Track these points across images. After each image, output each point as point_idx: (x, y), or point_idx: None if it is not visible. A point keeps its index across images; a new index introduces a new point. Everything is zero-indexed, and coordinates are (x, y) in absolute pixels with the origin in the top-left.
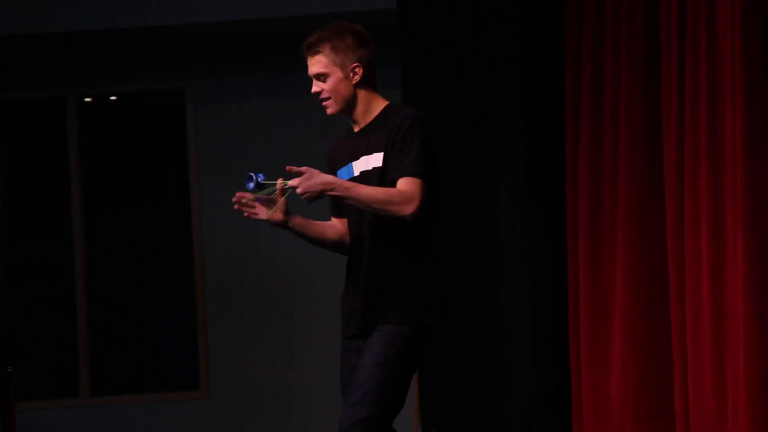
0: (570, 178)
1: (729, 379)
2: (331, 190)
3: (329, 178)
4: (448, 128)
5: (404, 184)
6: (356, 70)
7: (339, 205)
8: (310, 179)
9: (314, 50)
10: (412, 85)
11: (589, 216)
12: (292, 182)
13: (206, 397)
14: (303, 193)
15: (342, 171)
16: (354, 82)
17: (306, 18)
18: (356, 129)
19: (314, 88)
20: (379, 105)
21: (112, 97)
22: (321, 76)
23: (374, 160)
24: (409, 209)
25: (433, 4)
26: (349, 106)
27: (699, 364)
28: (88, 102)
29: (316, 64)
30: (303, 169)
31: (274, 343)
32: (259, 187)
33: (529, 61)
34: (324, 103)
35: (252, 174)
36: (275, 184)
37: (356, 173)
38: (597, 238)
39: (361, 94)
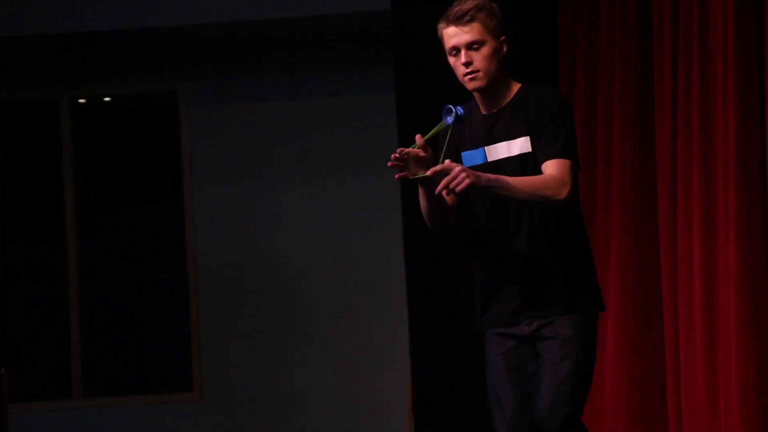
0: None
1: (721, 380)
2: (486, 180)
3: (475, 171)
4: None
5: (555, 167)
6: (504, 42)
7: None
8: (466, 170)
9: (470, 16)
10: (406, 88)
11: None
12: (449, 178)
13: (199, 398)
14: (461, 182)
15: (469, 154)
16: (503, 55)
17: (300, 20)
18: (488, 111)
19: (464, 58)
20: (514, 86)
21: (106, 99)
22: (475, 44)
23: (519, 146)
24: (563, 193)
25: (427, 6)
26: (493, 82)
27: (691, 365)
28: (82, 103)
29: (470, 32)
30: (453, 164)
31: (268, 345)
32: (458, 120)
33: (524, 62)
34: (471, 76)
35: (451, 107)
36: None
37: (489, 159)
38: (590, 238)
39: (503, 71)
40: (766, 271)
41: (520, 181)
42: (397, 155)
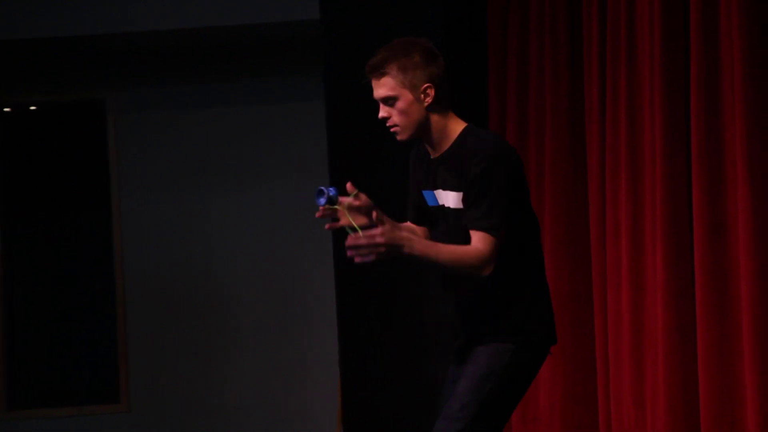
0: None
1: (648, 389)
2: (409, 250)
3: (404, 238)
4: (372, 140)
5: (479, 240)
6: (428, 91)
7: (423, 213)
8: (391, 232)
9: (380, 72)
10: (335, 96)
11: None
12: (374, 231)
13: (127, 410)
14: (378, 246)
15: (427, 194)
16: (426, 104)
17: (229, 29)
18: (433, 155)
19: (381, 113)
20: (456, 128)
21: (32, 108)
22: (389, 100)
23: (452, 200)
24: (486, 271)
25: (356, 16)
26: (421, 130)
27: (619, 374)
28: (7, 112)
29: (382, 87)
30: (379, 234)
31: (197, 356)
32: (330, 202)
33: (453, 76)
34: (392, 130)
35: (323, 188)
36: (341, 202)
37: (441, 204)
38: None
39: (434, 117)
40: (691, 281)
41: (444, 257)
42: (321, 212)
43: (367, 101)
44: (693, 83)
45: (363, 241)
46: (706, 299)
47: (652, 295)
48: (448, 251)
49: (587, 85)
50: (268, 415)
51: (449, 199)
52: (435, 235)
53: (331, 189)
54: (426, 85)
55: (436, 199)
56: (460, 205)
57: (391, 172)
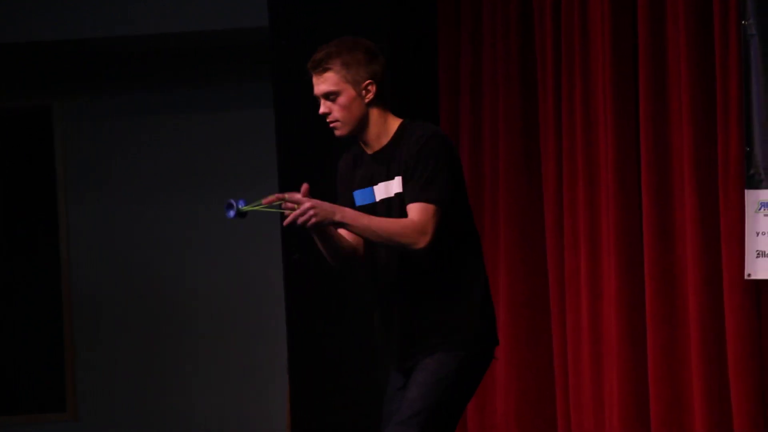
0: None
1: (606, 397)
2: (340, 216)
3: (335, 206)
4: (321, 147)
5: (417, 212)
6: (369, 87)
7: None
8: (317, 206)
9: (323, 67)
10: (284, 104)
11: None
12: (296, 213)
13: (73, 419)
14: (309, 219)
15: (360, 193)
16: (367, 100)
17: (177, 35)
18: (369, 152)
19: (322, 109)
20: (393, 124)
21: None
22: (331, 95)
23: (394, 186)
24: (421, 242)
25: (305, 23)
26: (360, 127)
27: (579, 381)
28: None
29: (324, 82)
30: (303, 199)
31: (146, 364)
32: (240, 214)
33: (403, 82)
34: (333, 125)
35: (232, 201)
36: (260, 202)
37: (377, 199)
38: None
39: (374, 113)
40: (642, 288)
41: (377, 223)
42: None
43: (316, 108)
44: (642, 93)
45: (297, 212)
46: (655, 306)
47: (608, 304)
48: (382, 220)
49: (541, 91)
50: (217, 422)
51: (391, 187)
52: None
53: (240, 201)
54: (368, 82)
55: (373, 196)
56: (400, 189)
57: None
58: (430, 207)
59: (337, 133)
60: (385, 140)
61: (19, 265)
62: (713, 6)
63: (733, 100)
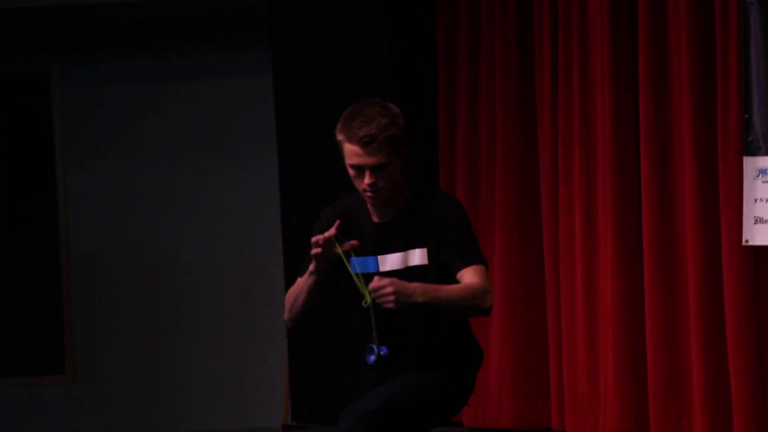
0: (446, 167)
1: (600, 360)
2: (423, 298)
3: (411, 287)
4: (320, 115)
5: (472, 275)
6: (405, 151)
7: (333, 277)
8: (398, 292)
9: (379, 142)
10: (282, 71)
11: (467, 202)
12: (384, 291)
13: (71, 381)
14: (386, 302)
15: (361, 260)
16: (401, 164)
17: (176, 2)
18: (380, 218)
19: (369, 180)
20: (405, 188)
21: None
22: (382, 167)
23: (416, 258)
24: (489, 301)
25: None
26: (392, 193)
27: (573, 345)
28: None
29: (376, 155)
30: (386, 283)
31: (144, 329)
32: (380, 360)
33: (401, 52)
34: (373, 194)
35: (373, 346)
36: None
37: (382, 269)
38: (474, 224)
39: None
40: (639, 255)
41: (449, 293)
42: (322, 240)
43: (315, 77)
44: (641, 60)
45: (378, 294)
46: (653, 273)
47: (604, 269)
48: (453, 291)
49: (538, 58)
50: (214, 389)
51: (411, 258)
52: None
53: (383, 348)
54: (405, 147)
55: (377, 265)
56: (425, 261)
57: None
58: (482, 268)
59: (376, 201)
60: (398, 207)
61: (18, 230)
62: None
63: (733, 68)
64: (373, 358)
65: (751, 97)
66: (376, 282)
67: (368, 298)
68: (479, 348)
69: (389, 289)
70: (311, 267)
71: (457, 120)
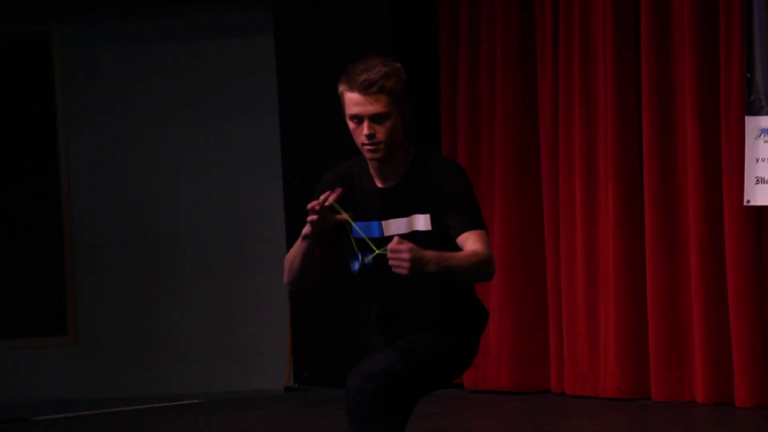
0: (447, 129)
1: (601, 323)
2: (435, 267)
3: (427, 256)
4: (321, 75)
5: (475, 240)
6: (407, 109)
7: (332, 238)
8: (414, 259)
9: (379, 87)
10: (284, 31)
11: (468, 167)
12: (401, 255)
13: (74, 342)
14: (400, 268)
15: (364, 225)
16: (403, 123)
17: None
18: (383, 183)
19: (367, 130)
20: (407, 152)
21: None
22: (381, 117)
23: (420, 223)
24: (492, 267)
25: None
26: (393, 151)
27: (573, 308)
28: None
29: (376, 103)
30: (404, 248)
31: (146, 290)
32: (364, 267)
33: (403, 9)
34: (372, 147)
35: (358, 253)
36: (385, 250)
37: (387, 234)
38: (475, 189)
39: (401, 138)
40: (641, 217)
41: (459, 261)
42: (318, 206)
43: (317, 37)
44: (643, 19)
45: (393, 260)
46: (655, 234)
47: (605, 232)
48: (463, 259)
49: (539, 19)
50: (217, 350)
51: (414, 223)
52: (374, 278)
53: (368, 254)
54: (407, 104)
55: (381, 230)
56: (429, 227)
57: (337, 110)
58: (484, 233)
59: (375, 156)
60: (401, 172)
61: (20, 191)
62: None
63: (735, 26)
64: (357, 265)
65: (754, 56)
66: (395, 244)
67: (376, 251)
68: (484, 308)
69: (406, 255)
70: (304, 230)
71: (458, 84)
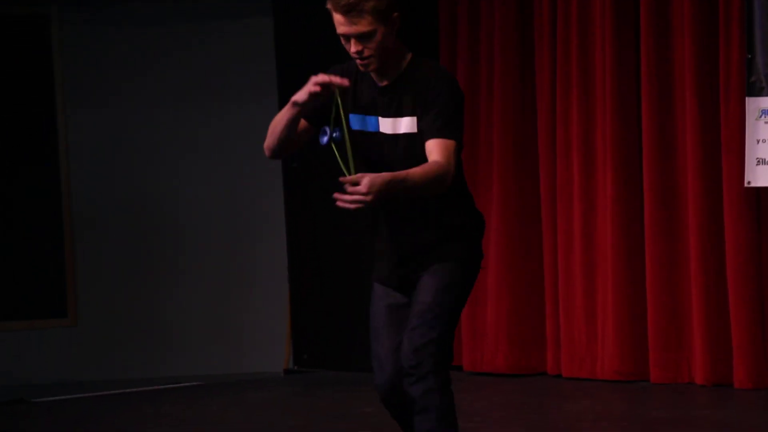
0: None
1: (599, 305)
2: (394, 188)
3: (387, 176)
4: (321, 56)
5: (439, 149)
6: (397, 19)
7: (318, 115)
8: (372, 193)
9: (357, 10)
10: (283, 13)
11: (465, 156)
12: (362, 183)
13: (74, 324)
14: (355, 204)
15: (360, 118)
16: (395, 31)
17: None
18: (379, 81)
19: (355, 48)
20: (404, 56)
21: None
22: (366, 35)
23: (404, 125)
24: (448, 180)
25: None
26: (387, 59)
27: (570, 290)
28: None
29: (359, 24)
30: (364, 181)
31: (146, 271)
32: (334, 141)
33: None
34: (366, 62)
35: (326, 128)
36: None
37: (381, 131)
38: (473, 168)
39: (395, 44)
40: (640, 199)
41: (415, 180)
42: (328, 81)
43: (315, 16)
44: (642, 1)
45: (349, 196)
46: (654, 217)
47: (603, 213)
48: (416, 176)
49: (537, 3)
50: (217, 332)
51: (400, 125)
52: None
53: (336, 130)
54: (395, 14)
55: (377, 126)
56: (413, 129)
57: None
58: (452, 144)
59: (370, 68)
60: (396, 73)
61: (20, 174)
62: None
63: (735, 6)
64: (325, 138)
65: (754, 36)
66: (361, 183)
67: (348, 173)
68: (479, 212)
69: (368, 198)
70: (295, 96)
71: (456, 65)
